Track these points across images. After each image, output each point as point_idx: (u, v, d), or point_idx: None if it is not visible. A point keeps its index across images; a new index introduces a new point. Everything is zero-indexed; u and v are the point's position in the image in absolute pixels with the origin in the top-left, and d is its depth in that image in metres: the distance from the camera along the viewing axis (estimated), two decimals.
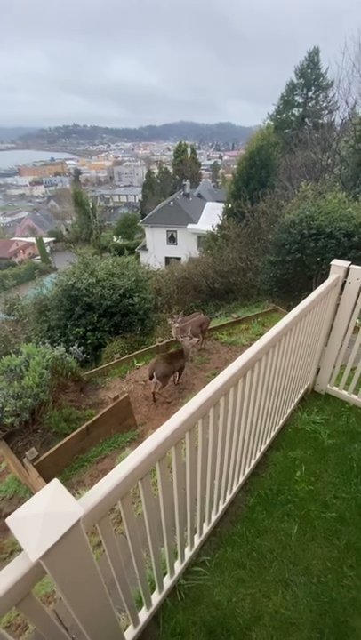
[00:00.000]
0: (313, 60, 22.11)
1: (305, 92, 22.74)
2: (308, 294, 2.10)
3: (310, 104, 22.92)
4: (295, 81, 22.73)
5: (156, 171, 47.97)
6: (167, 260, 22.73)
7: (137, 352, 6.08)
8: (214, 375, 1.41)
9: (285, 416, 2.74)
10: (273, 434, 2.57)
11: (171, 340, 6.10)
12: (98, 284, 7.24)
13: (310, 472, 2.36)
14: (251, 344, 1.60)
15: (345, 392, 2.96)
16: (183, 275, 11.01)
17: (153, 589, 1.65)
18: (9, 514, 0.73)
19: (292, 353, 2.14)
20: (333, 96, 21.30)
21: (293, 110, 23.37)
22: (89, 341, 6.94)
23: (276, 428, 2.62)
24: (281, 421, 2.68)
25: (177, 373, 5.04)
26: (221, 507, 2.05)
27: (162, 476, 1.20)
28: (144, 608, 1.59)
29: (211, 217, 19.41)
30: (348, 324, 2.59)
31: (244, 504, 2.18)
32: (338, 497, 2.20)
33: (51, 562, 0.74)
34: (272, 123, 21.69)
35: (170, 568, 1.68)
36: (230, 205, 15.35)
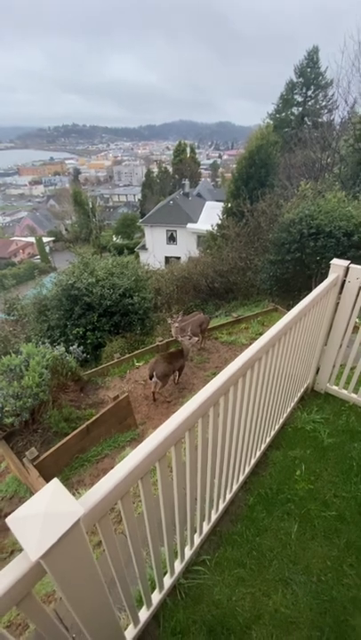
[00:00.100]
0: (312, 58, 22.09)
1: (304, 91, 22.72)
2: (307, 293, 2.10)
3: (310, 103, 22.90)
4: (295, 80, 22.70)
5: (155, 170, 47.93)
6: (167, 259, 22.72)
7: (137, 351, 6.08)
8: (214, 374, 1.41)
9: (285, 415, 2.74)
10: (273, 433, 2.57)
11: (170, 339, 6.10)
12: (97, 283, 7.24)
13: (310, 471, 2.37)
14: (250, 343, 1.60)
15: (345, 391, 2.96)
16: (183, 274, 11.01)
17: (153, 588, 1.65)
18: (9, 513, 0.74)
19: (292, 352, 2.14)
20: (333, 95, 21.32)
21: (293, 109, 23.35)
22: (89, 341, 6.94)
23: (276, 427, 2.62)
24: (281, 420, 2.68)
25: (177, 373, 5.04)
26: (221, 506, 2.05)
27: (162, 475, 1.20)
28: (144, 607, 1.59)
29: (210, 216, 19.40)
30: (348, 324, 2.59)
31: (245, 503, 2.18)
32: (338, 496, 2.20)
33: (51, 561, 0.74)
34: (272, 122, 21.67)
35: (170, 567, 1.69)
36: (230, 205, 15.34)
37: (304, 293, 2.15)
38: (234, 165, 19.85)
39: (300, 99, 23.02)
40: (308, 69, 22.28)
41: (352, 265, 2.35)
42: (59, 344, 5.41)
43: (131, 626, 1.52)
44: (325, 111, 22.18)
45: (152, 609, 1.61)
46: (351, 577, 1.81)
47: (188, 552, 1.81)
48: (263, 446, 2.45)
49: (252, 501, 2.18)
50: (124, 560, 1.15)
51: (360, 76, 12.96)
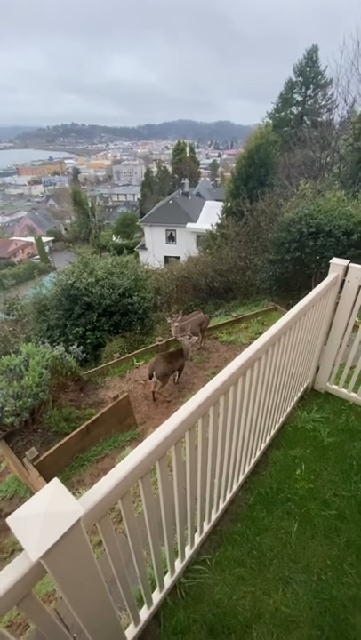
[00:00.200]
0: (312, 58, 22.04)
1: (304, 90, 22.68)
2: (307, 293, 2.10)
3: (309, 102, 22.86)
4: (294, 79, 22.65)
5: (154, 170, 47.91)
6: (166, 259, 22.72)
7: (137, 351, 6.08)
8: (214, 374, 1.41)
9: (285, 414, 2.75)
10: (273, 432, 2.57)
11: (170, 339, 6.10)
12: (97, 283, 7.23)
13: (310, 470, 2.37)
14: (250, 343, 1.61)
15: (344, 390, 2.97)
16: (182, 274, 11.01)
17: (154, 588, 1.65)
18: (9, 513, 0.74)
19: (292, 351, 2.14)
20: (332, 94, 21.27)
21: (292, 109, 23.30)
22: (88, 341, 6.93)
23: (276, 426, 2.62)
24: (281, 420, 2.68)
25: (177, 372, 5.04)
26: (222, 505, 2.05)
27: (162, 475, 1.20)
28: (145, 606, 1.59)
29: (210, 216, 19.39)
30: (348, 323, 2.60)
31: (245, 502, 2.18)
32: (338, 495, 2.21)
33: (51, 561, 0.74)
34: (271, 121, 21.65)
35: (170, 566, 1.69)
36: (229, 204, 15.33)
37: (304, 293, 2.15)
38: (233, 165, 19.84)
39: (299, 98, 22.98)
40: (308, 68, 22.24)
41: (352, 264, 2.35)
42: (58, 344, 5.41)
43: (131, 625, 1.52)
44: (325, 110, 22.15)
45: (153, 608, 1.62)
46: (351, 576, 1.81)
47: (189, 551, 1.81)
48: (263, 445, 2.45)
49: (252, 501, 2.18)
50: (124, 559, 1.15)
51: (359, 75, 12.95)
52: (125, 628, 1.50)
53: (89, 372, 5.44)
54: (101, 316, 7.16)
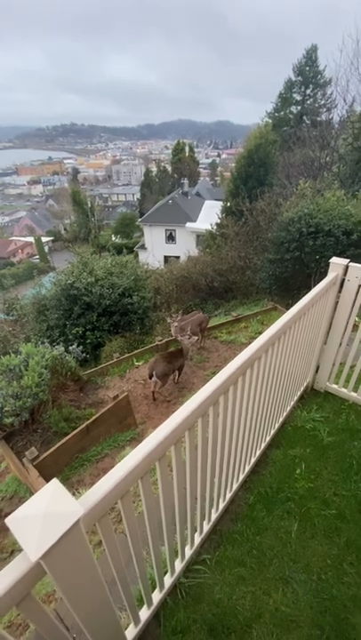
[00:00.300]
0: (311, 57, 22.04)
1: (303, 89, 22.67)
2: (307, 292, 2.10)
3: (308, 102, 22.85)
4: (293, 78, 22.65)
5: (154, 169, 47.91)
6: (166, 258, 22.71)
7: (136, 351, 6.08)
8: (214, 374, 1.41)
9: (285, 414, 2.75)
10: (273, 432, 2.57)
11: (170, 338, 6.09)
12: (97, 283, 7.23)
13: (310, 470, 2.37)
14: (250, 342, 1.60)
15: (344, 390, 2.96)
16: (182, 273, 11.00)
17: (154, 588, 1.65)
18: (9, 513, 0.73)
19: (292, 351, 2.14)
20: (331, 94, 21.28)
21: (292, 108, 23.30)
22: (88, 341, 6.93)
23: (276, 425, 2.62)
24: (281, 419, 2.68)
25: (176, 372, 5.03)
26: (222, 505, 2.05)
27: (162, 474, 1.20)
28: (145, 607, 1.59)
29: (209, 215, 19.38)
30: (348, 322, 2.59)
31: (245, 502, 2.18)
32: (338, 494, 2.20)
33: (50, 562, 0.74)
34: (270, 121, 21.65)
35: (170, 566, 1.69)
36: (229, 204, 15.32)
37: (303, 292, 2.15)
38: (233, 164, 19.83)
39: (298, 97, 22.97)
40: (307, 68, 22.24)
41: (351, 263, 2.35)
42: (58, 344, 5.40)
43: (131, 625, 1.52)
44: (324, 110, 22.14)
45: (153, 608, 1.61)
46: (351, 575, 1.81)
47: (189, 551, 1.81)
48: (263, 445, 2.45)
49: (252, 500, 2.18)
50: (124, 559, 1.15)
51: (359, 74, 12.95)
52: (125, 629, 1.49)
53: (89, 371, 5.43)
54: (101, 316, 7.15)
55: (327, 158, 14.11)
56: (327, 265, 2.41)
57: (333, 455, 2.48)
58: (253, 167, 15.24)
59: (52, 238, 40.20)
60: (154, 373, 4.51)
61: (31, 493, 3.40)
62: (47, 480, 2.92)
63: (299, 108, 23.08)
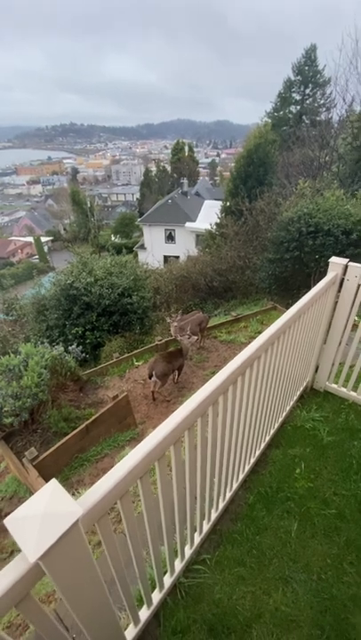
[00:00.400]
0: (310, 57, 22.04)
1: (302, 89, 22.67)
2: (306, 292, 2.10)
3: (308, 101, 22.85)
4: (292, 78, 22.65)
5: (153, 169, 47.92)
6: (166, 258, 22.71)
7: (136, 351, 6.07)
8: (213, 373, 1.40)
9: (285, 414, 2.74)
10: (272, 431, 2.57)
11: (170, 338, 6.09)
12: (96, 283, 7.22)
13: (310, 469, 2.37)
14: (250, 342, 1.60)
15: (344, 389, 2.96)
16: (182, 273, 11.00)
17: (153, 588, 1.65)
18: (9, 514, 0.73)
19: (291, 350, 2.14)
20: (331, 93, 21.28)
21: (291, 108, 23.30)
22: (88, 341, 6.92)
23: (276, 425, 2.62)
24: (280, 419, 2.68)
25: (176, 372, 5.03)
26: (221, 505, 2.05)
27: (161, 474, 1.20)
28: (145, 607, 1.59)
29: (209, 215, 19.37)
30: (347, 321, 2.59)
31: (244, 502, 2.18)
32: (337, 494, 2.20)
33: (49, 562, 0.74)
34: (270, 120, 21.65)
35: (170, 566, 1.68)
36: (228, 203, 15.31)
37: (303, 292, 2.15)
38: (232, 164, 19.83)
39: (298, 97, 22.97)
40: (306, 67, 22.24)
41: (351, 263, 2.35)
42: (57, 344, 5.40)
43: (131, 625, 1.52)
44: (323, 109, 22.15)
45: (152, 608, 1.61)
46: (351, 575, 1.81)
47: (189, 551, 1.81)
48: (263, 445, 2.45)
49: (252, 500, 2.18)
50: (123, 560, 1.15)
51: (358, 74, 12.94)
52: (125, 629, 1.49)
53: (88, 371, 5.43)
54: (100, 316, 7.15)
55: (326, 158, 14.12)
56: (327, 264, 2.41)
57: (333, 455, 2.48)
58: (253, 167, 15.24)
59: (51, 238, 40.16)
60: (153, 373, 4.50)
61: (31, 493, 3.40)
62: (47, 480, 2.92)
63: (298, 107, 23.08)
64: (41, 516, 0.73)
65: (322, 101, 22.60)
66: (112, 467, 0.98)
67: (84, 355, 5.89)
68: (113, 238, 35.98)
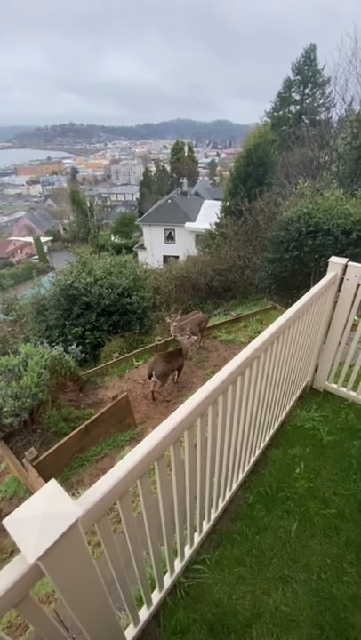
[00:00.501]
0: (310, 56, 22.03)
1: (302, 88, 22.67)
2: (306, 292, 2.10)
3: (307, 101, 22.85)
4: (292, 78, 22.64)
5: (153, 169, 47.89)
6: (165, 258, 22.70)
7: (136, 351, 6.07)
8: (213, 373, 1.40)
9: (284, 413, 2.74)
10: (272, 431, 2.57)
11: (169, 338, 6.09)
12: (96, 283, 7.22)
13: (310, 469, 2.37)
14: (249, 342, 1.60)
15: (344, 389, 2.96)
16: (181, 273, 11.00)
17: (153, 588, 1.65)
18: (9, 514, 0.73)
19: (291, 350, 2.14)
20: (330, 93, 21.29)
21: (290, 107, 23.30)
22: (87, 341, 6.92)
23: (276, 425, 2.62)
24: (280, 419, 2.68)
25: (176, 372, 5.03)
26: (221, 504, 2.05)
27: (161, 474, 1.20)
28: (144, 607, 1.59)
29: (208, 215, 19.37)
30: (347, 321, 2.59)
31: (244, 502, 2.18)
32: (337, 494, 2.20)
33: (48, 563, 0.74)
34: (269, 120, 21.65)
35: (170, 566, 1.68)
36: (228, 203, 15.31)
37: (303, 291, 2.15)
38: (232, 164, 19.82)
39: (297, 97, 22.97)
40: (306, 67, 22.23)
41: (350, 263, 2.35)
42: (57, 344, 5.39)
43: (131, 625, 1.52)
44: (323, 109, 22.15)
45: (152, 608, 1.61)
46: (351, 574, 1.81)
47: (188, 551, 1.81)
48: (262, 444, 2.45)
49: (251, 500, 2.18)
50: (123, 560, 1.15)
51: (357, 73, 12.94)
52: (125, 629, 1.49)
53: (88, 371, 5.43)
54: (100, 316, 7.14)
55: (326, 157, 14.11)
56: (326, 264, 2.41)
57: (333, 454, 2.48)
58: (252, 166, 15.24)
59: (51, 238, 40.14)
60: (153, 373, 4.50)
61: (31, 493, 3.39)
62: (47, 480, 2.91)
63: (298, 107, 23.08)
64: (40, 517, 0.73)
65: (321, 101, 22.60)
66: (112, 467, 0.98)
67: (83, 355, 5.88)
68: (113, 238, 35.96)
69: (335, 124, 15.01)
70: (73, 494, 3.04)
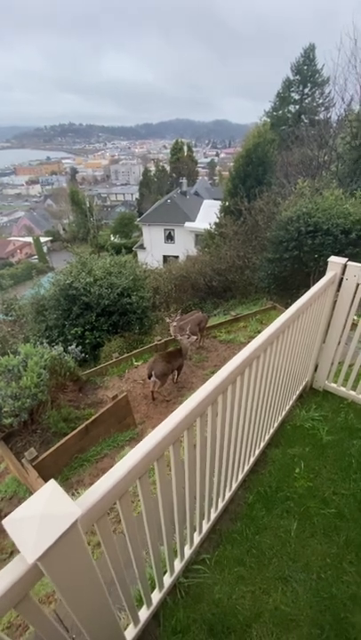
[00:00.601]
0: (309, 56, 22.03)
1: (301, 88, 22.67)
2: (305, 291, 2.10)
3: (307, 101, 22.86)
4: (291, 77, 22.65)
5: (152, 169, 47.88)
6: (165, 258, 22.70)
7: (135, 351, 6.07)
8: (213, 373, 1.40)
9: (284, 413, 2.74)
10: (272, 431, 2.57)
11: (169, 338, 6.09)
12: (95, 283, 7.22)
13: (309, 469, 2.37)
14: (249, 342, 1.60)
15: (343, 388, 2.97)
16: (181, 273, 11.00)
17: (153, 588, 1.65)
18: (9, 514, 0.73)
19: (290, 350, 2.14)
20: (329, 92, 21.30)
21: (290, 107, 23.30)
22: (87, 341, 6.92)
23: (275, 425, 2.62)
24: (280, 418, 2.68)
25: (176, 372, 5.03)
26: (221, 504, 2.05)
27: (160, 474, 1.20)
28: (144, 607, 1.59)
29: (208, 215, 19.37)
30: (346, 321, 2.59)
31: (244, 501, 2.18)
32: (337, 493, 2.21)
33: (48, 563, 0.74)
34: (268, 120, 21.63)
35: (170, 566, 1.68)
36: (227, 203, 15.32)
37: (302, 291, 2.15)
38: (231, 164, 19.82)
39: (296, 96, 22.97)
40: (305, 67, 22.23)
41: (350, 262, 2.35)
42: (57, 344, 5.39)
43: (131, 625, 1.52)
44: (322, 109, 22.15)
45: (152, 608, 1.61)
46: (351, 574, 1.81)
47: (188, 551, 1.81)
48: (262, 444, 2.45)
49: (251, 499, 2.18)
50: (123, 560, 1.15)
51: (357, 73, 12.94)
52: (125, 629, 1.49)
53: (88, 372, 5.43)
54: (100, 316, 7.14)
55: (325, 157, 14.11)
56: (326, 264, 2.41)
57: (332, 454, 2.48)
58: (252, 166, 15.24)
59: (50, 238, 40.11)
60: (153, 373, 4.50)
61: (31, 494, 3.39)
62: (46, 480, 2.91)
63: (297, 107, 23.08)
64: (39, 517, 0.73)
65: (321, 101, 22.60)
66: (112, 467, 0.98)
67: (83, 355, 5.88)
68: (112, 238, 35.93)
69: (334, 124, 15.01)
70: (73, 494, 3.04)
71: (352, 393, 2.90)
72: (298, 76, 22.51)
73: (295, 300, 1.97)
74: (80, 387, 5.09)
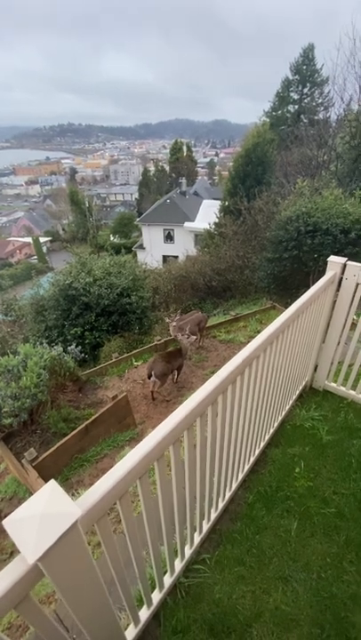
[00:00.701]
0: (308, 56, 22.04)
1: (300, 88, 22.69)
2: (305, 291, 2.10)
3: (306, 100, 22.87)
4: (290, 77, 22.66)
5: (152, 169, 47.88)
6: (164, 258, 22.70)
7: (135, 351, 6.07)
8: (213, 373, 1.40)
9: (284, 413, 2.75)
10: (272, 431, 2.57)
11: (169, 338, 6.09)
12: (95, 283, 7.21)
13: (309, 468, 2.37)
14: (249, 341, 1.60)
15: (343, 388, 2.97)
16: (181, 273, 11.01)
17: (153, 588, 1.65)
18: (9, 515, 0.73)
19: (290, 350, 2.14)
20: (329, 92, 21.30)
21: (289, 107, 23.31)
22: (87, 341, 6.92)
23: (275, 424, 2.62)
24: (280, 418, 2.68)
25: (175, 372, 5.03)
26: (221, 504, 2.05)
27: (161, 474, 1.20)
28: (145, 607, 1.59)
29: (207, 215, 19.37)
30: (346, 320, 2.60)
31: (244, 501, 2.18)
32: (337, 493, 2.21)
33: (48, 564, 0.73)
34: (268, 120, 21.65)
35: (170, 566, 1.68)
36: (227, 203, 15.33)
37: (302, 291, 2.15)
38: (230, 163, 19.83)
39: (296, 96, 22.98)
40: (304, 67, 22.24)
41: (349, 262, 2.35)
42: (56, 344, 5.39)
43: (131, 625, 1.52)
44: (321, 108, 22.17)
45: (152, 608, 1.61)
46: (351, 574, 1.81)
47: (188, 551, 1.81)
48: (262, 444, 2.45)
49: (251, 499, 2.18)
50: (123, 560, 1.15)
51: (356, 73, 12.95)
52: (125, 629, 1.49)
53: (87, 372, 5.42)
54: (99, 316, 7.14)
55: (325, 157, 14.12)
56: (325, 264, 2.41)
57: (332, 454, 2.48)
58: (251, 166, 15.25)
59: (50, 238, 40.10)
60: (153, 373, 4.50)
61: (31, 494, 3.39)
62: (46, 481, 2.91)
63: (296, 106, 23.10)
64: (39, 518, 0.72)
65: (320, 100, 22.61)
66: (112, 467, 0.98)
67: (83, 355, 5.88)
68: (112, 238, 35.93)
69: (334, 124, 15.03)
70: (73, 495, 3.04)
71: (352, 392, 2.91)
72: (297, 76, 22.52)
73: (295, 300, 1.97)
74: (80, 387, 5.09)
